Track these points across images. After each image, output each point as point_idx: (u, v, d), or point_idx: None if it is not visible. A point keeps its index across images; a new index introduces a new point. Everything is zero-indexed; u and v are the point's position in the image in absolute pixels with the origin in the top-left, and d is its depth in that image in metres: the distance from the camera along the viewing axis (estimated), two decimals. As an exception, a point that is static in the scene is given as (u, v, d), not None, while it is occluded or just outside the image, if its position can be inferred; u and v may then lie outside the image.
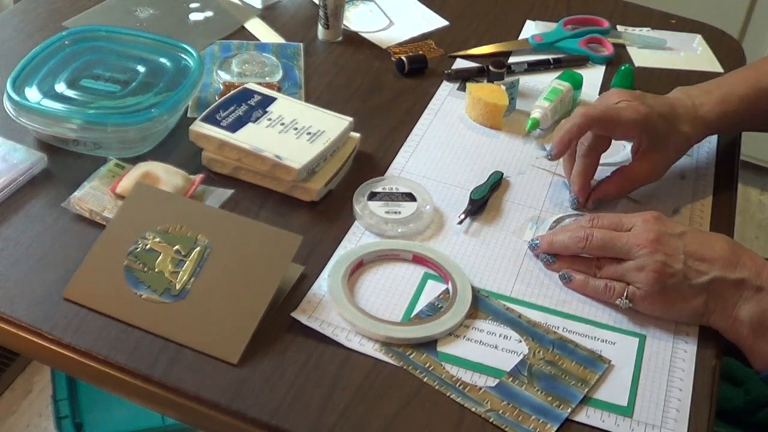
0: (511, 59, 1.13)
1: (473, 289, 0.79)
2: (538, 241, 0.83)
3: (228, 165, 0.88)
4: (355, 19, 1.19)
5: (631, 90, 0.90)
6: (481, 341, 0.75)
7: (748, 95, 0.93)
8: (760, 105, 0.94)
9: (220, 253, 0.77)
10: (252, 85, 0.96)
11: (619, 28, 1.22)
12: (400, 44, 1.15)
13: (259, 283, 0.75)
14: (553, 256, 0.82)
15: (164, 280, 0.75)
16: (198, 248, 0.77)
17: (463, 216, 0.87)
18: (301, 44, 1.11)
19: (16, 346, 0.76)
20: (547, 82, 1.05)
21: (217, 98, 0.96)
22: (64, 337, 0.72)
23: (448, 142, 0.98)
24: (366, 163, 0.94)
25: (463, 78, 1.08)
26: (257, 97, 0.94)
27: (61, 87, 0.90)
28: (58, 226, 0.82)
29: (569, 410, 0.70)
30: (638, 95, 0.88)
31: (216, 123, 0.89)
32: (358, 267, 0.81)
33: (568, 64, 1.13)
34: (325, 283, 0.78)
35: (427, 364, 0.73)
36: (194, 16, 1.16)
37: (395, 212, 0.85)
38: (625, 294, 0.77)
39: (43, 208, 0.84)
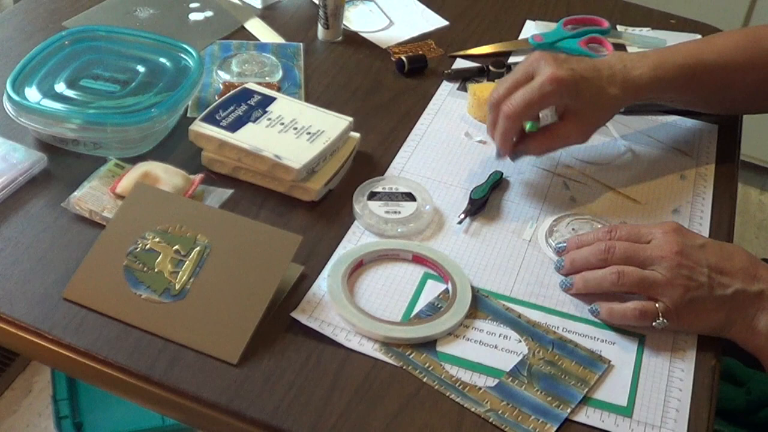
0: (511, 59, 1.13)
1: (473, 289, 0.79)
2: (563, 262, 0.82)
3: (228, 165, 0.88)
4: (355, 19, 1.19)
5: (557, 54, 0.88)
6: (480, 341, 0.75)
7: (687, 65, 0.91)
8: (697, 78, 0.91)
9: (219, 253, 0.77)
10: (252, 85, 0.96)
11: (619, 28, 1.22)
12: (400, 44, 1.15)
13: (258, 283, 0.75)
14: (570, 279, 0.80)
15: (164, 280, 0.75)
16: (197, 248, 0.77)
17: (462, 216, 0.87)
18: (301, 44, 1.11)
19: (16, 346, 0.76)
20: (547, 82, 1.05)
21: (216, 98, 0.96)
22: (64, 337, 0.72)
23: (447, 141, 0.98)
24: (366, 162, 0.94)
25: (463, 78, 1.08)
26: (257, 97, 0.94)
27: (60, 87, 0.90)
28: (58, 226, 0.82)
29: (569, 410, 0.70)
30: (562, 59, 0.86)
31: (216, 123, 0.89)
32: (358, 267, 0.81)
33: (568, 64, 1.12)
34: (324, 283, 0.78)
35: (427, 364, 0.73)
36: (194, 16, 1.16)
37: (395, 212, 0.85)
38: (659, 313, 0.75)
39: (43, 208, 0.84)
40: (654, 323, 0.76)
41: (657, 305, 0.75)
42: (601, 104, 0.88)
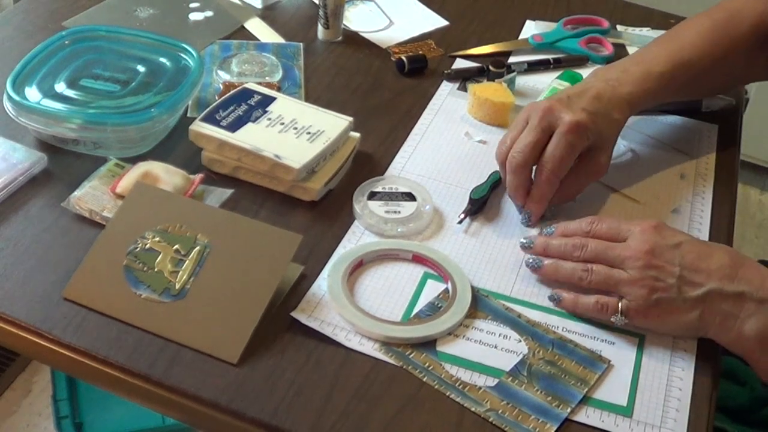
0: (511, 59, 1.13)
1: (473, 288, 0.79)
2: (531, 241, 0.82)
3: (228, 165, 0.88)
4: (355, 19, 1.19)
5: (553, 100, 0.87)
6: (480, 341, 0.75)
7: (669, 72, 0.91)
8: (680, 81, 0.93)
9: (219, 252, 0.77)
10: (252, 85, 0.96)
11: (619, 28, 1.22)
12: (400, 44, 1.15)
13: (258, 282, 0.75)
14: (540, 260, 0.81)
15: (164, 279, 0.75)
16: (197, 248, 0.77)
17: (462, 216, 0.87)
18: (301, 44, 1.11)
19: (16, 346, 0.76)
20: (547, 82, 1.05)
21: (216, 98, 0.96)
22: (63, 337, 0.72)
23: (447, 141, 0.98)
24: (366, 162, 0.94)
25: (463, 78, 1.08)
26: (257, 97, 0.94)
27: (61, 87, 0.90)
28: (58, 226, 0.82)
29: (569, 410, 0.70)
30: (564, 101, 0.85)
31: (216, 123, 0.89)
32: (358, 267, 0.81)
33: (568, 64, 1.13)
34: (324, 283, 0.78)
35: (427, 364, 0.73)
36: (194, 16, 1.16)
37: (395, 212, 0.85)
38: (619, 310, 0.75)
39: (43, 208, 0.84)
40: (612, 318, 0.76)
41: (620, 302, 0.75)
42: (613, 131, 0.88)
